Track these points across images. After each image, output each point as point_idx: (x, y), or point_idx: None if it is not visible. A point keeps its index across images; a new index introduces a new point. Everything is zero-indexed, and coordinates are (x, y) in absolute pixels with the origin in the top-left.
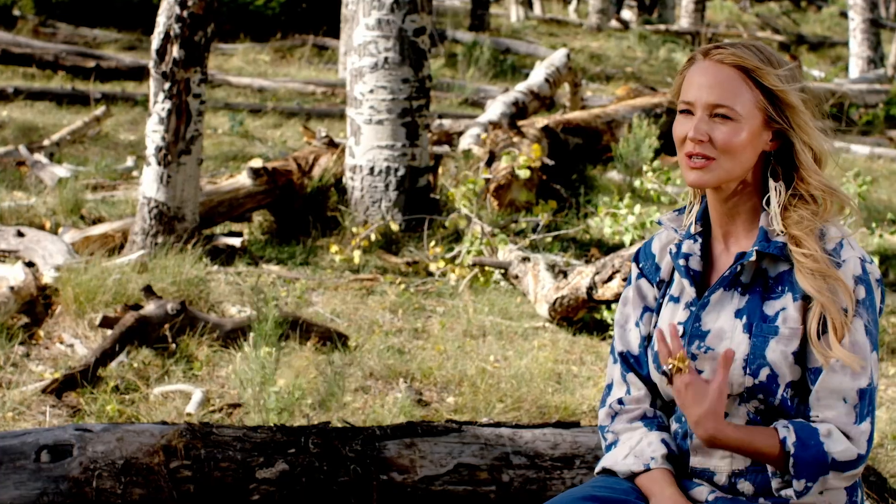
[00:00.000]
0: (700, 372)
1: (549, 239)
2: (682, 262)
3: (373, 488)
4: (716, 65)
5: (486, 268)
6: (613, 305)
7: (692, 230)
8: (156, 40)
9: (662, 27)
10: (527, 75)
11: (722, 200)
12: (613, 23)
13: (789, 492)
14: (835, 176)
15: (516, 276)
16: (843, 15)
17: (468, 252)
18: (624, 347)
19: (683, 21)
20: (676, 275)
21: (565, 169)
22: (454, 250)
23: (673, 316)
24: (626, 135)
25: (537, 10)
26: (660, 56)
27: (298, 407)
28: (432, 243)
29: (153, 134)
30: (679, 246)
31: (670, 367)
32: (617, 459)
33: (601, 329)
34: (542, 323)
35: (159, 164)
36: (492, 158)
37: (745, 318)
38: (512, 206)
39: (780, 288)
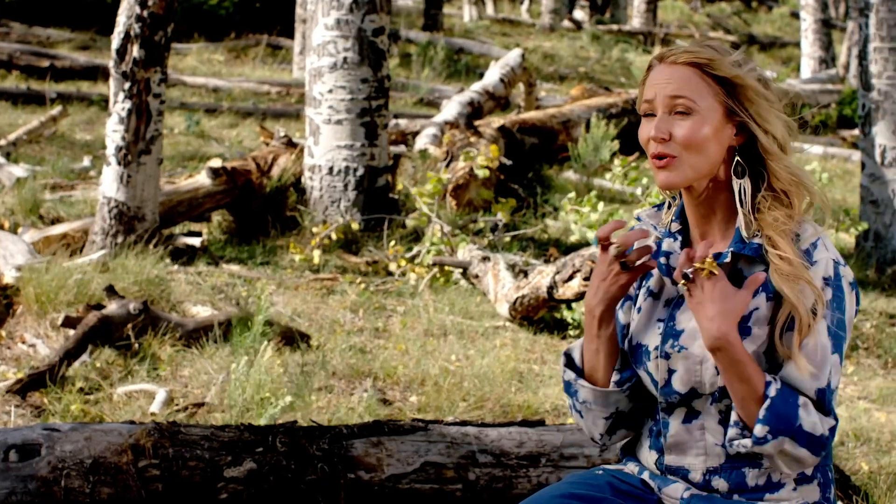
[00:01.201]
0: (673, 371)
1: (507, 238)
2: (662, 259)
3: (340, 487)
4: (671, 66)
5: (446, 267)
6: (574, 304)
7: (672, 228)
8: (116, 40)
9: (615, 27)
10: (481, 75)
11: (696, 201)
12: (566, 23)
13: (745, 441)
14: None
15: (476, 276)
16: (794, 15)
17: (428, 252)
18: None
19: (635, 21)
20: (655, 269)
21: (522, 169)
22: (414, 250)
23: (652, 312)
24: (584, 135)
25: (490, 9)
26: (613, 56)
27: (264, 406)
28: (392, 243)
29: (113, 134)
30: (659, 243)
31: (692, 269)
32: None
33: (562, 328)
34: (503, 322)
35: (119, 163)
36: (450, 158)
37: None
38: (470, 205)
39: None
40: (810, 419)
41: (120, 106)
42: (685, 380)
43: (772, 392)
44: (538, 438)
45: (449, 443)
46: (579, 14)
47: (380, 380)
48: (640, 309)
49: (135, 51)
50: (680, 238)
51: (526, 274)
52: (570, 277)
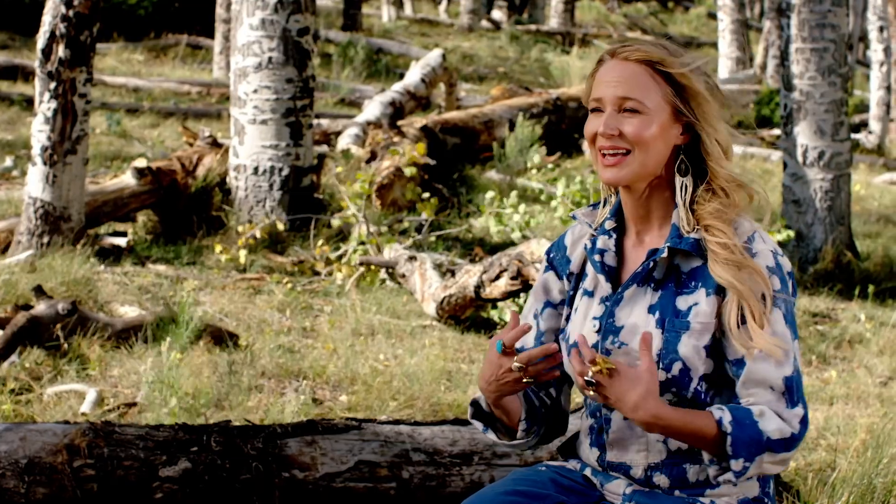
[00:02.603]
0: None
1: (432, 238)
2: (597, 257)
3: (275, 486)
4: (622, 62)
5: (373, 267)
6: (500, 304)
7: (607, 226)
8: (41, 39)
9: (533, 27)
10: (400, 75)
11: (636, 198)
12: (484, 23)
13: (728, 476)
14: (745, 169)
15: (403, 275)
16: (710, 16)
17: (355, 251)
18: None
19: (553, 21)
20: (590, 269)
21: (445, 169)
22: (340, 249)
23: (588, 310)
24: (508, 135)
25: (408, 9)
26: (532, 56)
27: (195, 406)
28: (319, 243)
29: (39, 134)
30: (594, 241)
31: (592, 375)
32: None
33: (489, 327)
34: (430, 321)
35: (45, 163)
36: (373, 158)
37: (657, 314)
38: (394, 205)
39: (693, 283)
40: (774, 426)
41: (45, 106)
42: None
43: (727, 427)
44: (471, 437)
45: (382, 441)
46: (497, 14)
47: (309, 379)
48: (576, 309)
49: (60, 50)
50: (615, 236)
51: (453, 273)
52: (497, 277)
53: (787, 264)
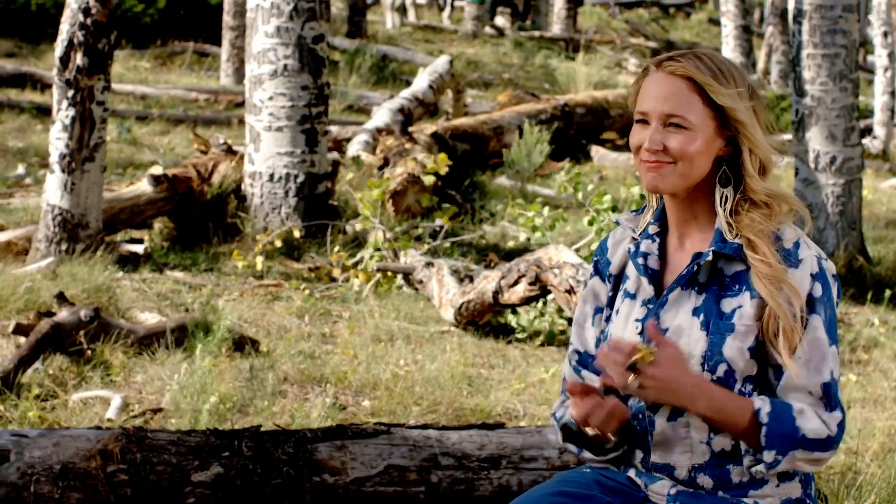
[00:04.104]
0: None
1: (447, 244)
2: (640, 260)
3: (305, 490)
4: (668, 77)
5: (389, 273)
6: (519, 309)
7: (650, 230)
8: (59, 48)
9: (536, 33)
10: (407, 82)
11: (679, 204)
12: (488, 29)
13: (760, 467)
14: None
15: (420, 281)
16: (712, 21)
17: (371, 257)
18: (581, 347)
19: (556, 27)
20: (632, 271)
21: (455, 175)
22: (357, 256)
23: (630, 312)
24: (518, 141)
25: (412, 16)
26: (536, 62)
27: (221, 411)
28: (335, 249)
29: (57, 141)
30: (637, 245)
31: (633, 362)
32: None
33: (507, 333)
34: (448, 327)
35: (63, 171)
36: (385, 164)
37: (702, 316)
38: (408, 211)
39: (736, 286)
40: (811, 426)
41: (63, 114)
42: None
43: (764, 418)
44: (498, 441)
45: (411, 446)
46: (501, 21)
47: (332, 385)
48: (617, 311)
49: (78, 59)
50: (658, 240)
51: (471, 279)
52: (516, 282)
53: (831, 267)
